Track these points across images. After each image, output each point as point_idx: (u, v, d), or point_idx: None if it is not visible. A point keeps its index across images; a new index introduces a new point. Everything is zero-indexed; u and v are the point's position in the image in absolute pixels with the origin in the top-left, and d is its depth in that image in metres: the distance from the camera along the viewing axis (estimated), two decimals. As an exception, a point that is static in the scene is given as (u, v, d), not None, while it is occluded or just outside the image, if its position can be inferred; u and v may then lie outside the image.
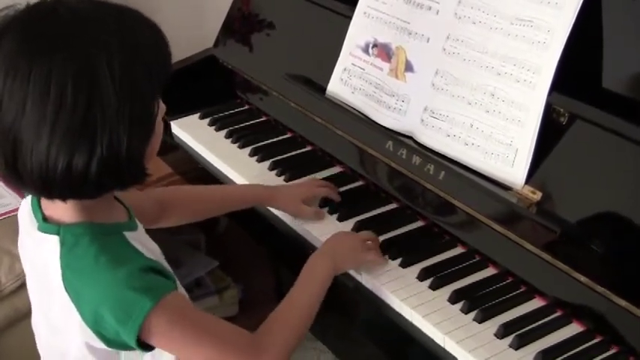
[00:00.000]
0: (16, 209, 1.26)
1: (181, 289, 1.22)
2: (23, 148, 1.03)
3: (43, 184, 1.05)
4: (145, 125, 1.09)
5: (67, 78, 1.00)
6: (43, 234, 1.15)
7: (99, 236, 1.12)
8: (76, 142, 1.02)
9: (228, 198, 1.59)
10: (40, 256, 1.16)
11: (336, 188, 1.62)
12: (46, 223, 1.15)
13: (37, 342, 1.29)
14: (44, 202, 1.17)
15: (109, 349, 1.14)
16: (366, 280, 1.40)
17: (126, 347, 1.13)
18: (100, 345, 1.13)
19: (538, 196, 1.35)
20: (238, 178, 1.72)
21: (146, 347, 1.11)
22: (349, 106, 1.68)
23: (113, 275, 1.08)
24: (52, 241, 1.13)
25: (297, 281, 1.31)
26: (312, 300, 1.29)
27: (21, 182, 1.07)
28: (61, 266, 1.11)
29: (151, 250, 1.20)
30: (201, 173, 1.83)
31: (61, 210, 1.13)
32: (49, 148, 1.02)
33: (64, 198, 1.10)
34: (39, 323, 1.26)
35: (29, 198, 1.21)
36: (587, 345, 1.23)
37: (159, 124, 1.14)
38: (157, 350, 1.14)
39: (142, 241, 1.20)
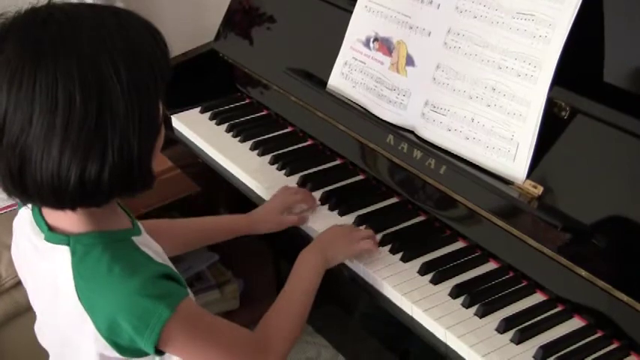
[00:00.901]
0: (16, 204, 1.25)
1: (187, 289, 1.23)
2: (32, 160, 1.01)
3: (54, 196, 1.04)
4: (153, 126, 1.09)
5: (74, 85, 0.99)
6: (50, 244, 1.14)
7: (110, 244, 1.12)
8: (88, 150, 1.01)
9: (209, 231, 1.57)
10: (48, 266, 1.15)
11: (309, 193, 1.59)
12: (54, 234, 1.14)
13: (43, 344, 1.29)
14: (47, 211, 1.15)
15: (121, 357, 1.14)
16: (366, 274, 1.40)
17: (139, 354, 1.13)
18: (113, 354, 1.12)
19: (539, 190, 1.34)
20: (239, 172, 1.72)
21: (159, 352, 1.12)
22: (350, 100, 1.68)
23: (128, 284, 1.08)
24: (62, 252, 1.12)
25: (289, 278, 1.33)
26: (305, 296, 1.31)
27: (26, 195, 1.06)
28: (74, 276, 1.10)
29: (156, 251, 1.20)
30: (202, 167, 1.83)
31: (68, 219, 1.12)
32: (60, 158, 1.00)
33: (73, 207, 1.08)
34: (45, 329, 1.26)
35: (28, 206, 1.19)
36: (588, 340, 1.23)
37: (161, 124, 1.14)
38: (167, 354, 1.15)
39: (148, 244, 1.20)
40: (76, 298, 1.10)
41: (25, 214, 1.20)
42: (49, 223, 1.15)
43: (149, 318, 1.07)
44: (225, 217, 1.65)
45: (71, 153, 1.00)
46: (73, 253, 1.11)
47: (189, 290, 1.18)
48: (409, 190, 1.55)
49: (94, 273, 1.09)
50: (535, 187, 1.35)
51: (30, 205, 1.18)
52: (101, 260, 1.09)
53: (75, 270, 1.10)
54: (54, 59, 0.99)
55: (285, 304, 1.30)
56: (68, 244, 1.12)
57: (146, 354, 1.11)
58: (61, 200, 1.06)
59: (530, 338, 1.23)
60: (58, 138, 0.99)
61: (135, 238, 1.16)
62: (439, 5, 1.52)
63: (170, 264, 1.22)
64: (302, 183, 1.64)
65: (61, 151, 1.00)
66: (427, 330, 1.29)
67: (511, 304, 1.30)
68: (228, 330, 1.19)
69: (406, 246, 1.43)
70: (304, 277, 1.34)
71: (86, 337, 1.11)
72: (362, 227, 1.49)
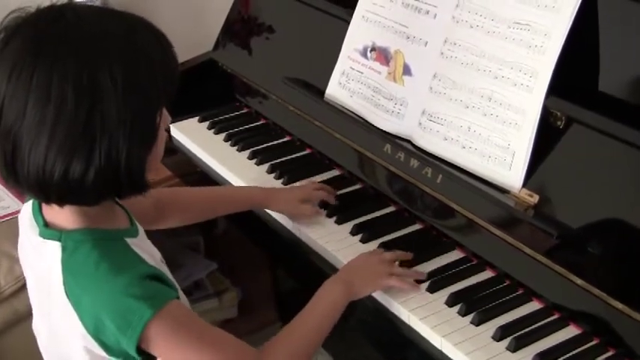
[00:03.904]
0: (16, 212, 1.27)
1: (182, 296, 1.22)
2: (22, 149, 1.03)
3: (40, 188, 1.05)
4: (147, 135, 1.09)
5: (67, 84, 1.01)
6: (43, 239, 1.15)
7: (100, 242, 1.12)
8: (74, 149, 1.02)
9: (226, 200, 1.59)
10: (42, 261, 1.15)
11: (333, 191, 1.62)
12: (48, 229, 1.15)
13: (39, 345, 1.29)
14: (45, 207, 1.16)
15: (110, 357, 1.13)
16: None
17: (127, 356, 1.12)
18: (101, 352, 1.12)
19: (535, 199, 1.35)
20: (237, 181, 1.72)
21: (147, 356, 1.11)
22: (347, 109, 1.68)
23: (114, 282, 1.08)
24: (54, 247, 1.13)
25: (308, 305, 1.29)
26: (319, 327, 1.27)
27: (19, 184, 1.07)
28: (62, 272, 1.11)
29: (151, 255, 1.20)
30: (200, 176, 1.84)
31: (63, 215, 1.13)
32: (47, 152, 1.02)
33: (60, 203, 1.10)
34: (40, 327, 1.26)
35: (30, 203, 1.20)
36: (583, 347, 1.24)
37: (161, 134, 1.13)
38: None
39: (143, 246, 1.20)
40: (64, 294, 1.10)
41: (26, 210, 1.21)
42: (46, 220, 1.16)
43: (132, 317, 1.06)
44: (242, 187, 1.67)
45: (57, 149, 1.02)
46: (64, 249, 1.12)
47: (180, 294, 1.18)
48: (406, 199, 1.55)
49: (81, 269, 1.10)
50: (531, 196, 1.36)
51: (30, 202, 1.20)
52: (90, 257, 1.10)
53: (64, 265, 1.11)
54: (54, 57, 1.02)
55: (296, 330, 1.26)
56: (59, 240, 1.12)
57: (133, 356, 1.10)
58: (47, 194, 1.07)
59: (526, 346, 1.24)
60: (46, 132, 1.01)
61: (129, 240, 1.16)
62: (436, 15, 1.53)
63: (165, 269, 1.21)
64: (300, 191, 1.65)
65: (48, 145, 1.02)
66: (423, 338, 1.30)
67: (507, 312, 1.31)
68: (223, 339, 1.16)
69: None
70: (323, 307, 1.29)
71: (75, 333, 1.11)
72: (398, 253, 1.43)
